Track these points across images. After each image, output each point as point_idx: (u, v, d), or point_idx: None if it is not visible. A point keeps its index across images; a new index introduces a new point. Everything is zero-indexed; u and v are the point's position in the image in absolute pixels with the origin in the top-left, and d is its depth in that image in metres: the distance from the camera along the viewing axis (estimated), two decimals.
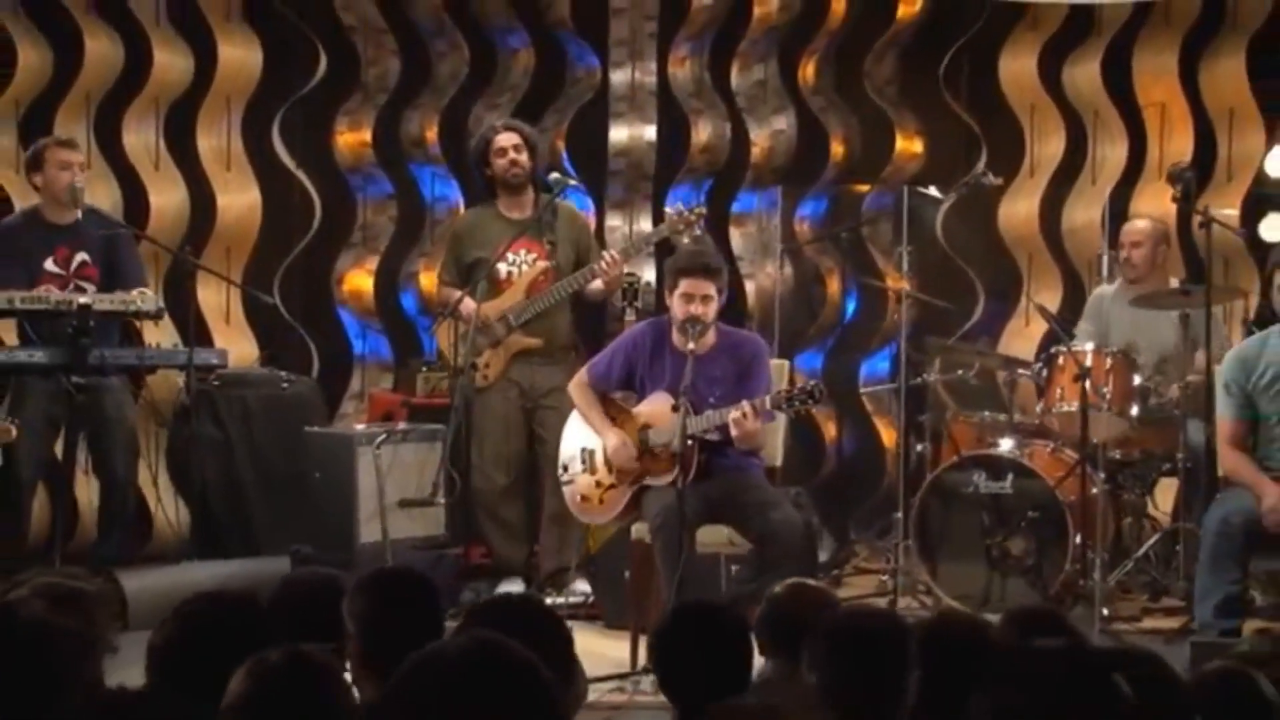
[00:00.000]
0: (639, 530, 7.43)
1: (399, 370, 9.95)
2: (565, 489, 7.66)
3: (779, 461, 7.79)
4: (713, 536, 7.37)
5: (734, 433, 7.11)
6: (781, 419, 7.72)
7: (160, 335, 8.92)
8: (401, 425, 8.59)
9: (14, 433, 7.46)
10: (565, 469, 7.66)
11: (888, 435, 9.93)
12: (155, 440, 9.35)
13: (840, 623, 3.91)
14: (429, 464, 8.05)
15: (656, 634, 4.24)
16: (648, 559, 7.26)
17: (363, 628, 4.01)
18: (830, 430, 10.05)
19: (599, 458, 7.52)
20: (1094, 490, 8.24)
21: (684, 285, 7.29)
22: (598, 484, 7.53)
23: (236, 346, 9.63)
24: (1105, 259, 9.26)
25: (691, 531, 7.07)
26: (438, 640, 3.42)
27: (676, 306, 7.30)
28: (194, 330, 8.67)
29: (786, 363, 8.55)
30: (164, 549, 9.05)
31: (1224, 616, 6.85)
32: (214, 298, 9.67)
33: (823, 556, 9.18)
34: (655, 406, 7.42)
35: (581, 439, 7.60)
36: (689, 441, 7.08)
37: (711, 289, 7.28)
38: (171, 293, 9.10)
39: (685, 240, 8.48)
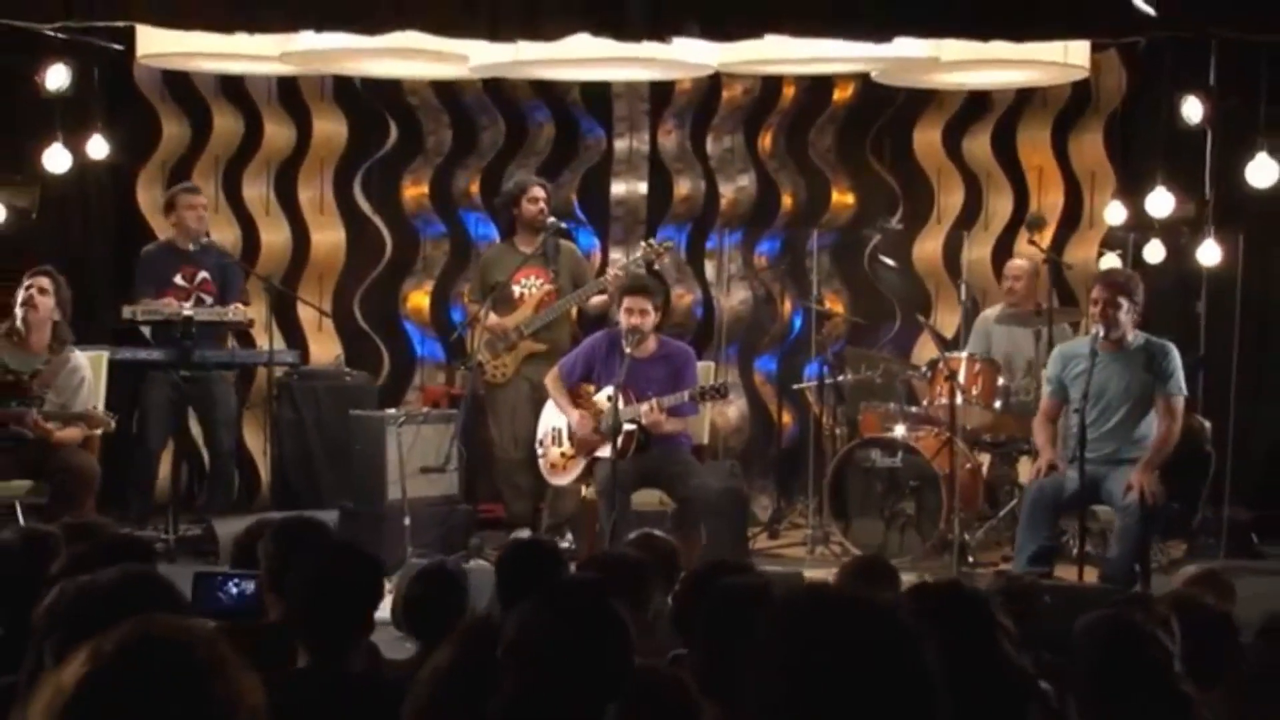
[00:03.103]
0: (590, 493, 7.39)
1: (449, 369, 9.93)
2: (540, 459, 7.63)
3: (705, 439, 7.74)
4: (647, 498, 7.37)
5: (644, 422, 7.08)
6: (746, 411, 7.58)
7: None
8: (424, 409, 8.55)
9: (112, 424, 7.39)
10: (540, 443, 7.63)
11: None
12: (265, 421, 9.39)
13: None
14: (445, 439, 8.01)
15: (496, 562, 4.17)
16: (597, 514, 7.21)
17: (268, 562, 3.98)
18: (780, 417, 9.92)
19: (565, 434, 7.48)
20: (968, 465, 8.14)
21: (627, 301, 7.26)
22: (562, 454, 7.52)
23: (326, 349, 9.69)
24: (964, 287, 9.07)
25: (627, 494, 7.03)
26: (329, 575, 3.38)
27: (622, 318, 7.28)
28: (281, 336, 8.81)
29: (712, 364, 8.48)
30: (264, 504, 9.07)
31: (1035, 565, 6.71)
32: (309, 312, 9.68)
33: (768, 514, 9.12)
34: (606, 397, 7.36)
35: (553, 420, 7.59)
36: (631, 424, 7.03)
37: (647, 304, 7.24)
38: (278, 310, 9.15)
39: (657, 267, 8.42)
